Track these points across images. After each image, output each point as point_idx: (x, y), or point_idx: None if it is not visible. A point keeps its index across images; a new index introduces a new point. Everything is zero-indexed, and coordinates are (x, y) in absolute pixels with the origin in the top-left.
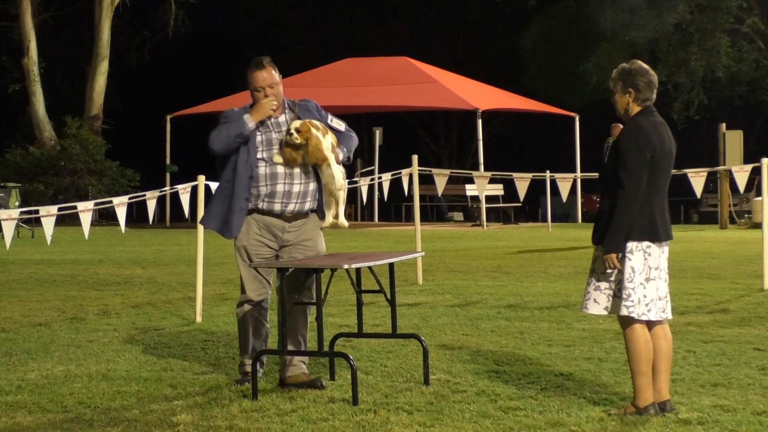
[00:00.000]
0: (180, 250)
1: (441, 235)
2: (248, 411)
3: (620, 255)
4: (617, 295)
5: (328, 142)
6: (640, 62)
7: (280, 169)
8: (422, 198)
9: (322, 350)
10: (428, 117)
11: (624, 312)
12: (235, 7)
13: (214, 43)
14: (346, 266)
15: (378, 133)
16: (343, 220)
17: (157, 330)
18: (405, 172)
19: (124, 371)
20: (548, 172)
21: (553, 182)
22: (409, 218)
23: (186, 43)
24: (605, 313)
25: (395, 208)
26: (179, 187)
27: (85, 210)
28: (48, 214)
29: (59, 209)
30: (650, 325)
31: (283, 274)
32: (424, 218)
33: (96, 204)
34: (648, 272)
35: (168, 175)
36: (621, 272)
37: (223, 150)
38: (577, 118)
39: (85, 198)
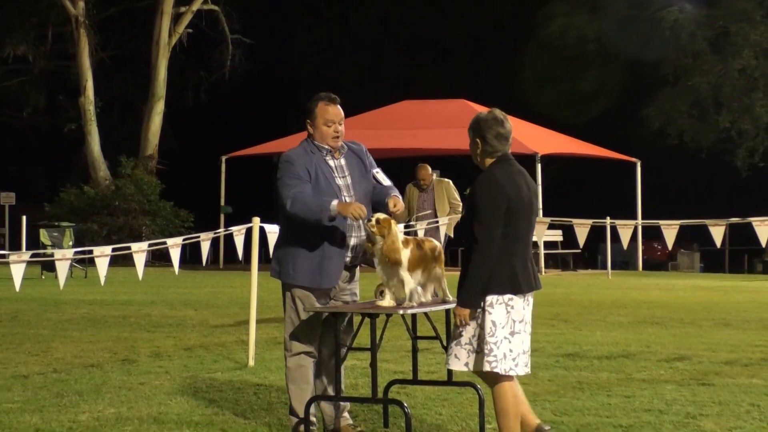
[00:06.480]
0: (233, 293)
1: None
2: None
3: (476, 310)
4: (477, 351)
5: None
6: (496, 112)
7: (350, 222)
8: None
9: (377, 397)
10: None
11: (487, 368)
12: (291, 48)
13: (270, 84)
14: (401, 312)
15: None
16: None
17: (209, 373)
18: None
19: (175, 415)
20: (608, 218)
21: (614, 229)
22: None
23: (242, 84)
24: (466, 369)
25: (452, 253)
26: (233, 228)
27: (140, 251)
28: (102, 254)
29: (113, 249)
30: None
31: (338, 320)
32: None
33: (150, 245)
34: (513, 326)
35: (222, 217)
36: (482, 327)
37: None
38: (638, 164)
39: (138, 238)
